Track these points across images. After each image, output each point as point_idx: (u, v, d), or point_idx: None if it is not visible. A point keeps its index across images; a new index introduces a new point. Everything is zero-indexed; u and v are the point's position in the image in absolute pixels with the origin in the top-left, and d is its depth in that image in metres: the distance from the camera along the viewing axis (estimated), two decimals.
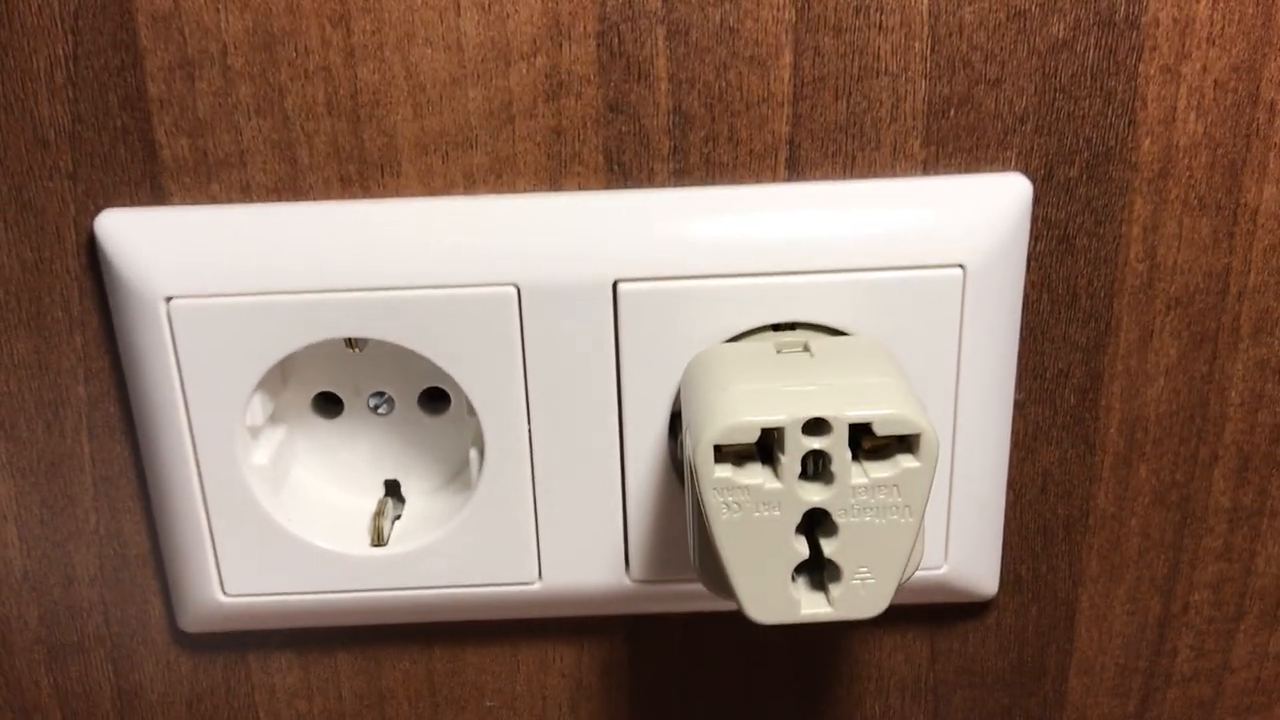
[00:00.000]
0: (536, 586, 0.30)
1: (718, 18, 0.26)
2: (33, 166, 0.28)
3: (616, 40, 0.27)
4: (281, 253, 0.27)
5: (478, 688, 0.33)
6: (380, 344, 0.28)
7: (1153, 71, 0.27)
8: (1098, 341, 0.29)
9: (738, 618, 0.25)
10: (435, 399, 0.31)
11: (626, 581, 0.30)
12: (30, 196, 0.28)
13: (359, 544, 0.30)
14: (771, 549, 0.24)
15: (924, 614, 0.32)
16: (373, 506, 0.31)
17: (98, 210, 0.28)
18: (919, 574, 0.30)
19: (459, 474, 0.31)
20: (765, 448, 0.24)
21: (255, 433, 0.29)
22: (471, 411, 0.29)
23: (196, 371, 0.28)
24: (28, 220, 0.28)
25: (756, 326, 0.28)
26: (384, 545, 0.30)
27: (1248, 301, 0.29)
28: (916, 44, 0.27)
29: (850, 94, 0.27)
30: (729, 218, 0.28)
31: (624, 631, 0.33)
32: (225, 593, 0.30)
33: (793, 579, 0.25)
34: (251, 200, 0.28)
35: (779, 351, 0.27)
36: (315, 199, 0.28)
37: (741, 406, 0.24)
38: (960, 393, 0.28)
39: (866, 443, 0.24)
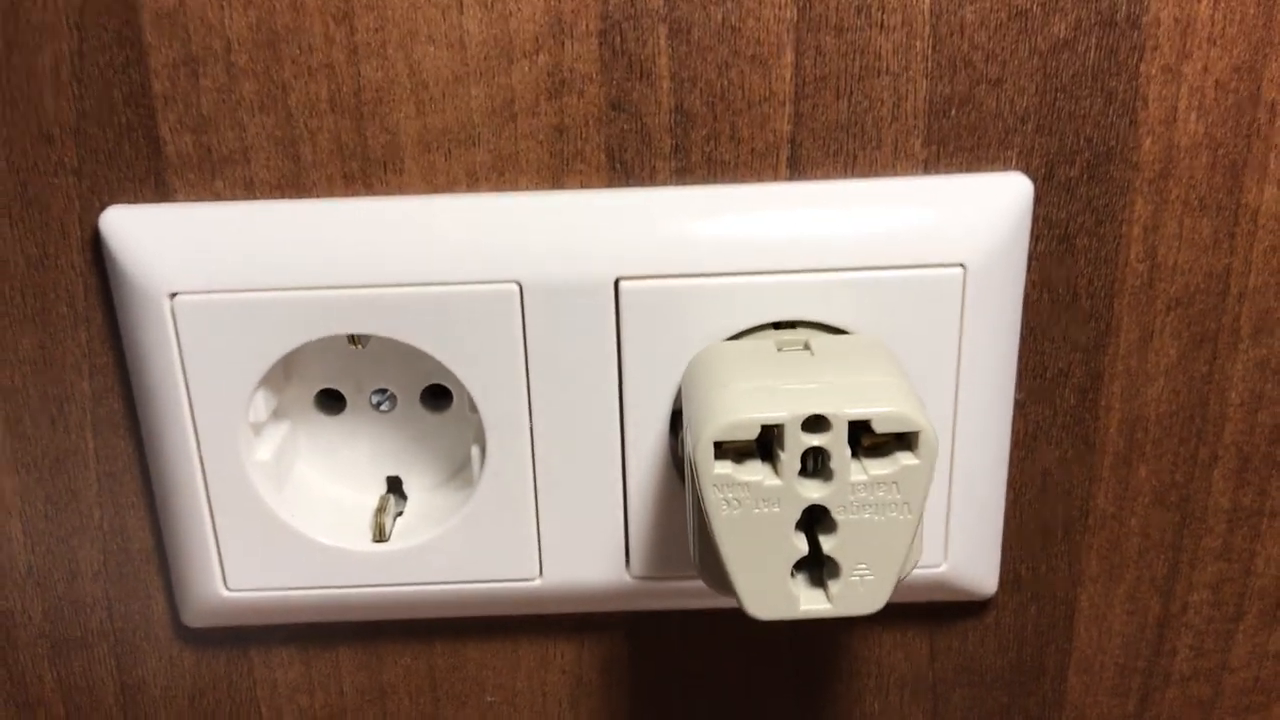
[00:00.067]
0: (537, 583, 0.30)
1: (719, 16, 0.27)
2: (38, 162, 0.28)
3: (619, 39, 0.27)
4: (285, 249, 0.28)
5: (478, 683, 0.33)
6: (383, 341, 0.28)
7: (1154, 71, 0.27)
8: (1098, 341, 0.29)
9: (738, 614, 0.25)
10: (437, 396, 0.31)
11: (627, 578, 0.30)
12: (35, 192, 0.28)
13: (361, 540, 0.30)
14: (771, 545, 0.24)
15: (924, 612, 0.32)
16: (374, 503, 0.31)
17: (102, 206, 0.28)
18: (919, 572, 0.30)
19: (460, 471, 0.31)
20: (765, 445, 0.24)
21: (258, 429, 0.29)
22: (473, 408, 0.29)
23: (200, 367, 0.28)
24: (33, 216, 0.28)
25: (757, 325, 0.28)
26: (386, 541, 0.30)
27: (1248, 302, 0.29)
28: (918, 43, 0.27)
29: (852, 93, 0.27)
30: (730, 216, 0.28)
31: (624, 628, 0.33)
32: (228, 588, 0.30)
33: (792, 575, 0.25)
34: (255, 197, 0.28)
35: (780, 349, 0.27)
36: (318, 196, 0.28)
37: (742, 404, 0.24)
38: (960, 392, 0.28)
39: (866, 440, 0.24)
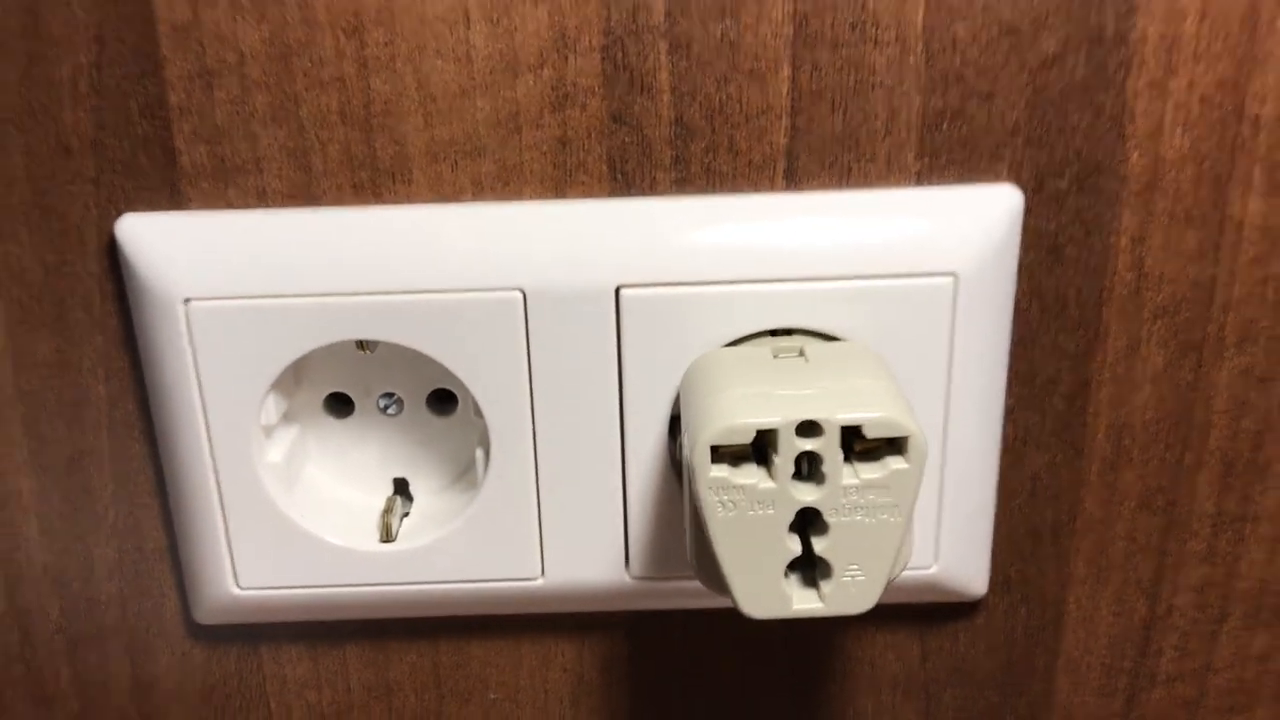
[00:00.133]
0: (539, 583, 0.31)
1: (718, 32, 0.27)
2: (56, 172, 0.29)
3: (620, 54, 0.27)
4: (296, 257, 0.28)
5: (482, 681, 0.34)
6: (390, 346, 0.29)
7: (1141, 87, 0.28)
8: (1086, 349, 0.30)
9: (734, 614, 0.25)
10: (443, 400, 0.32)
11: (627, 578, 0.31)
12: (53, 201, 0.29)
13: (368, 540, 0.31)
14: (765, 546, 0.25)
15: (915, 613, 0.33)
16: (382, 504, 0.32)
17: (118, 214, 0.29)
18: (910, 574, 0.31)
19: (465, 473, 0.32)
20: (761, 449, 0.25)
21: (269, 431, 0.30)
22: (478, 412, 0.29)
23: (213, 371, 0.29)
24: (51, 224, 0.29)
25: (754, 332, 0.29)
26: (392, 541, 0.31)
27: (1232, 312, 0.30)
28: (911, 59, 0.28)
29: (846, 107, 0.28)
30: (728, 226, 0.28)
31: (624, 627, 0.33)
32: (239, 586, 0.31)
33: (785, 575, 0.25)
34: (267, 205, 0.29)
35: (775, 356, 0.28)
36: (329, 205, 0.29)
37: (737, 409, 0.25)
38: (951, 397, 0.29)
39: (858, 445, 0.25)
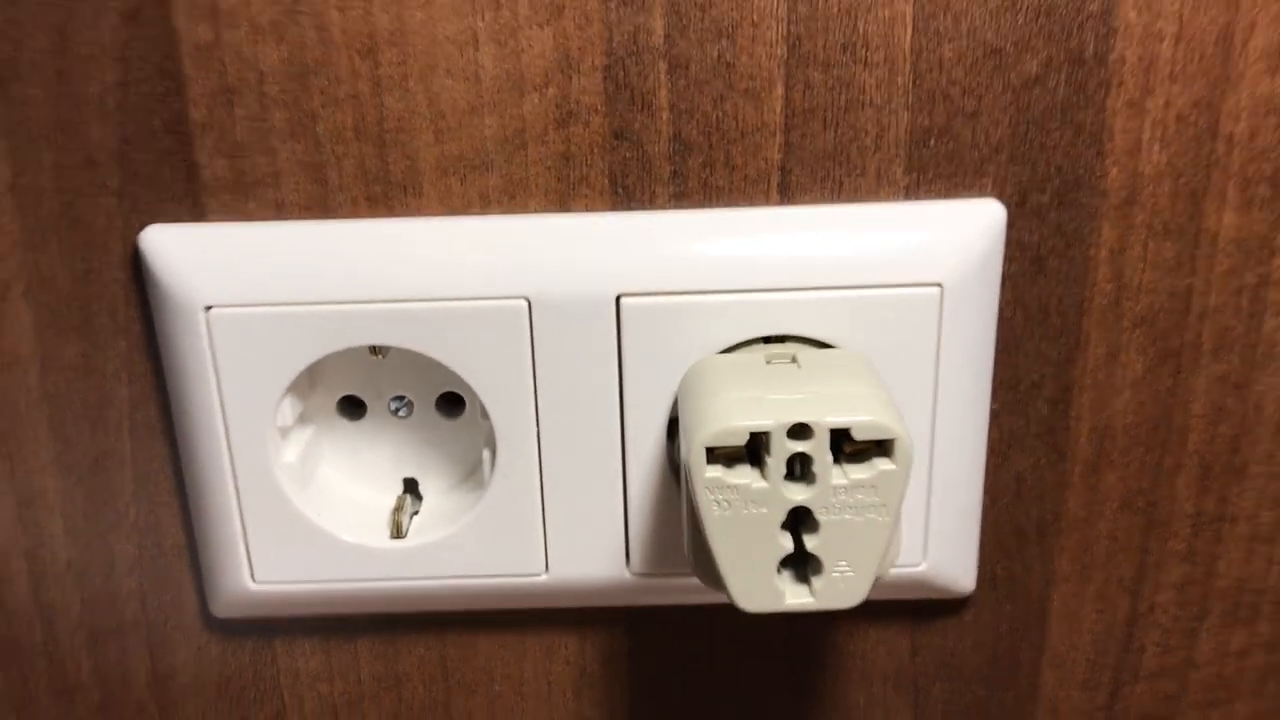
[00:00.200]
0: (543, 578, 0.32)
1: (715, 53, 0.29)
2: (83, 185, 0.30)
3: (622, 73, 0.29)
4: (312, 266, 0.30)
5: (488, 673, 0.35)
6: (401, 351, 0.30)
7: (1119, 106, 0.29)
8: (1068, 356, 0.31)
9: (730, 609, 0.26)
10: (451, 403, 0.33)
11: (627, 575, 0.32)
12: (80, 212, 0.30)
13: (379, 537, 0.32)
14: (758, 543, 0.26)
15: (905, 609, 0.34)
16: (392, 502, 0.33)
17: (142, 225, 0.30)
18: (900, 571, 0.32)
19: (473, 473, 0.33)
20: (754, 450, 0.26)
21: (285, 433, 0.31)
22: (485, 415, 0.31)
23: (232, 375, 0.30)
24: (78, 234, 0.30)
25: (749, 339, 0.30)
26: (402, 538, 0.32)
27: (1209, 320, 0.31)
28: (899, 79, 0.29)
29: (838, 124, 0.29)
30: (724, 238, 0.30)
31: (625, 622, 0.35)
32: (255, 581, 0.32)
33: (778, 571, 0.27)
34: (285, 217, 0.30)
35: (768, 362, 0.29)
36: (343, 217, 0.30)
37: (732, 412, 0.26)
38: (938, 402, 0.30)
39: (847, 447, 0.26)
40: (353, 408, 0.33)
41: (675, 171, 0.30)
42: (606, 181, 0.30)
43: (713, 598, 0.31)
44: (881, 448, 0.26)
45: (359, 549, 0.32)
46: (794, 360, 0.29)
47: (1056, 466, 0.32)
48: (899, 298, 0.29)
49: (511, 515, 0.31)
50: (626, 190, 0.30)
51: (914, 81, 0.29)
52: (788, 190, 0.30)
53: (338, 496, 0.33)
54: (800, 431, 0.26)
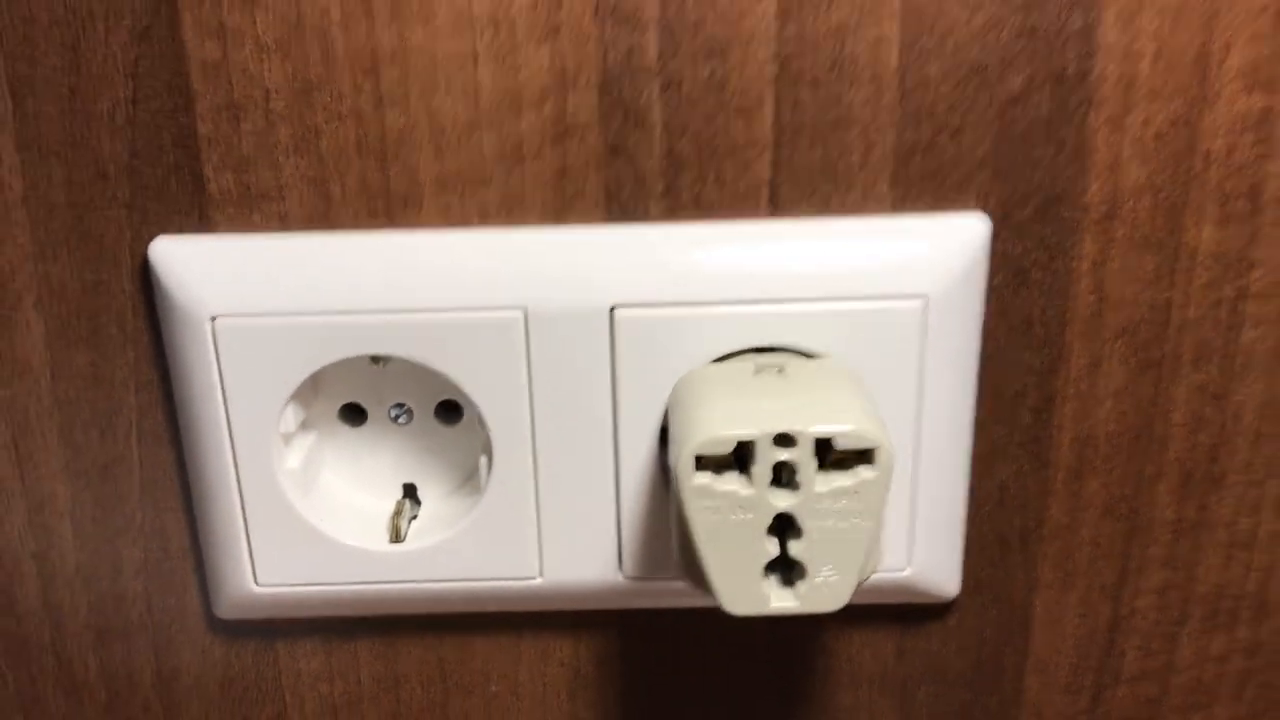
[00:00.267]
0: (538, 582, 0.33)
1: (707, 72, 0.29)
2: (94, 197, 0.31)
3: (616, 91, 0.30)
4: (315, 278, 0.30)
5: (484, 674, 0.36)
6: (401, 361, 0.31)
7: (1100, 123, 0.30)
8: (1051, 366, 0.32)
9: (721, 612, 0.27)
10: (450, 410, 0.34)
11: (619, 578, 0.33)
12: (91, 224, 0.31)
13: (379, 541, 0.33)
14: (744, 548, 0.27)
15: (891, 613, 0.35)
16: (392, 507, 0.34)
17: (151, 237, 0.31)
18: (885, 575, 0.33)
19: (470, 478, 0.34)
20: (741, 458, 0.27)
21: (288, 439, 0.32)
22: (482, 423, 0.31)
23: (237, 383, 0.31)
24: (88, 245, 0.31)
25: (739, 349, 0.31)
26: (401, 542, 0.33)
27: (1188, 332, 0.32)
28: (886, 96, 0.30)
29: (826, 141, 0.30)
30: (715, 251, 0.30)
31: (618, 624, 0.35)
32: (257, 583, 0.33)
33: (764, 575, 0.27)
34: (289, 229, 0.31)
35: (757, 372, 0.30)
36: (346, 229, 0.31)
37: (719, 421, 0.27)
38: (923, 411, 0.31)
39: (832, 454, 0.27)
40: (354, 415, 0.34)
41: (668, 186, 0.31)
42: (601, 196, 0.31)
43: (703, 601, 0.32)
44: (864, 456, 0.27)
45: (359, 552, 0.33)
46: (782, 370, 0.30)
47: (1040, 474, 0.33)
48: (885, 309, 0.30)
49: (507, 520, 0.32)
50: (621, 204, 0.31)
51: (900, 99, 0.30)
52: (777, 204, 0.31)
53: (339, 501, 0.34)
54: (785, 440, 0.26)
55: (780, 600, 0.28)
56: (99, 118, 0.30)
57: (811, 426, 0.26)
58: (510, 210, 0.31)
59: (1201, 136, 0.30)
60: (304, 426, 0.33)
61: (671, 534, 0.32)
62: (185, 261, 0.31)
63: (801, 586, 0.27)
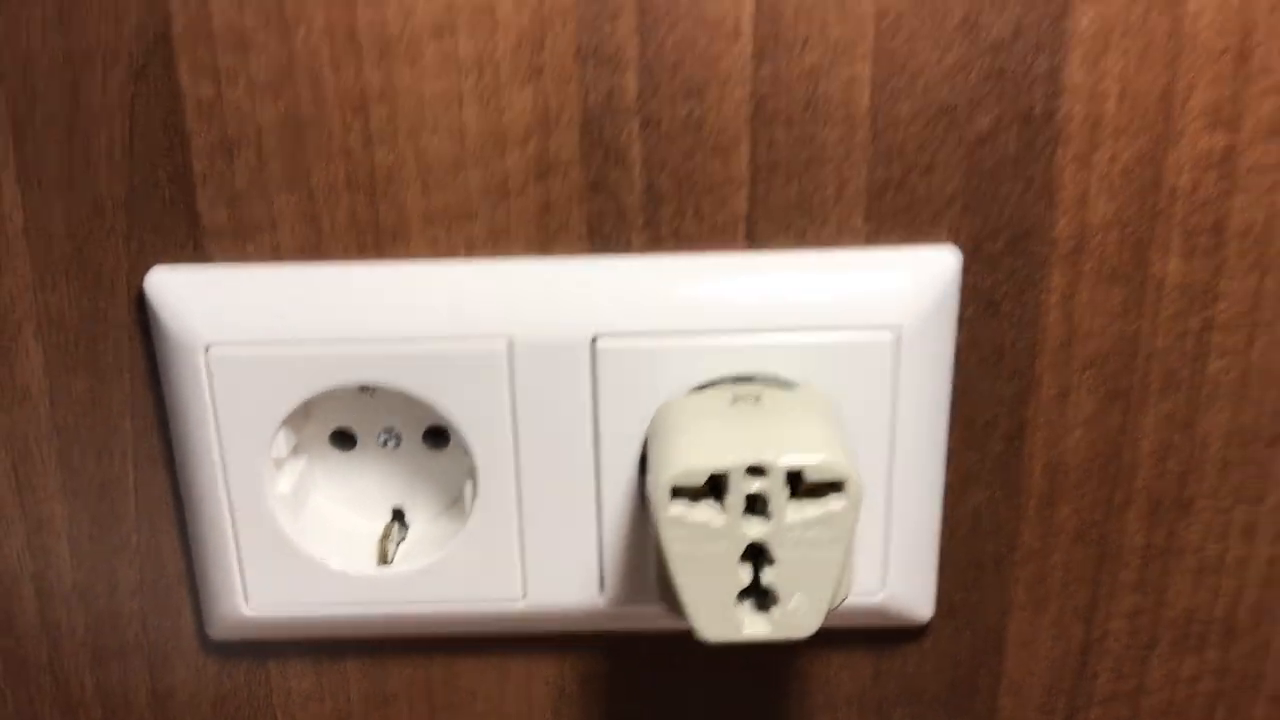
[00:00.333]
0: (522, 605, 0.34)
1: (685, 111, 0.30)
2: (92, 230, 0.32)
3: (597, 130, 0.31)
4: (306, 308, 0.31)
5: (471, 693, 0.37)
6: (389, 389, 0.32)
7: (1067, 160, 0.31)
8: (1022, 395, 0.33)
9: None
10: (437, 435, 0.35)
11: (601, 601, 0.34)
12: (89, 255, 0.32)
13: (367, 564, 0.34)
14: (718, 576, 0.28)
15: (868, 636, 0.36)
16: (380, 530, 0.35)
17: (147, 268, 0.32)
18: (861, 599, 0.34)
19: (457, 501, 0.35)
20: (717, 485, 0.28)
21: (279, 464, 0.33)
22: (467, 449, 0.32)
23: (229, 410, 0.32)
24: (87, 276, 0.32)
25: (717, 378, 0.32)
26: (389, 565, 0.34)
27: (1155, 362, 0.33)
28: (858, 135, 0.31)
29: (801, 178, 0.31)
30: (694, 283, 0.31)
31: (601, 645, 0.36)
32: (249, 606, 0.34)
33: (738, 602, 0.28)
34: (281, 260, 0.32)
35: (734, 401, 0.30)
36: (336, 260, 0.32)
37: (693, 453, 0.27)
38: (896, 438, 0.32)
39: (804, 484, 0.28)
40: (344, 439, 0.35)
41: (648, 221, 0.31)
42: (584, 229, 0.32)
43: (683, 624, 0.33)
44: (835, 486, 0.27)
45: (347, 577, 0.33)
46: (758, 400, 0.30)
47: (1012, 500, 0.34)
48: (859, 340, 0.31)
49: (492, 544, 0.33)
50: (603, 238, 0.32)
51: (872, 138, 0.31)
52: (754, 238, 0.32)
53: (329, 524, 0.35)
54: (758, 471, 0.27)
55: (753, 627, 0.28)
56: (97, 154, 0.31)
57: (782, 458, 0.27)
58: (496, 243, 0.32)
59: (1166, 173, 0.31)
60: (295, 451, 0.34)
61: (649, 559, 0.33)
62: (180, 292, 0.32)
63: (774, 613, 0.28)
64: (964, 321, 0.32)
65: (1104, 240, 0.31)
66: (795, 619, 0.28)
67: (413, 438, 0.34)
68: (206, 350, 0.31)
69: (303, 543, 0.33)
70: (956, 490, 0.34)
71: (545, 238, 0.32)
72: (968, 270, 0.32)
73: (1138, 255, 0.32)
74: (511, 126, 0.30)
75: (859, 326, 0.31)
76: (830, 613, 0.28)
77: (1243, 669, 0.36)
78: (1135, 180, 0.31)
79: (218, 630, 0.35)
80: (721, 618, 0.28)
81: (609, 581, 0.34)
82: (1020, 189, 0.31)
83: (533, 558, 0.33)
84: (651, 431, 0.31)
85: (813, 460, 0.27)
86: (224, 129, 0.31)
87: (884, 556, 0.33)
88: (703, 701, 0.37)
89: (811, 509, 0.27)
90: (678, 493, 0.27)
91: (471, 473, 0.33)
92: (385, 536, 0.34)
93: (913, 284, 0.31)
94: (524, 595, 0.34)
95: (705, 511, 0.27)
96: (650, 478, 0.29)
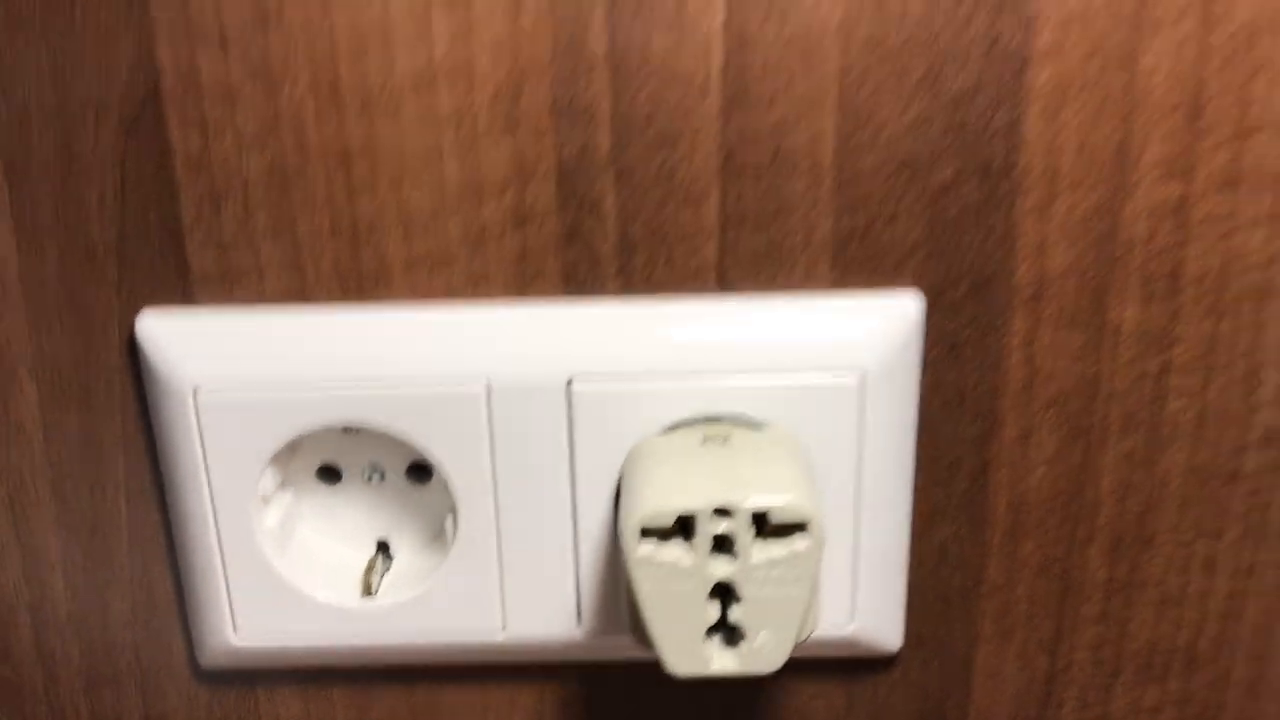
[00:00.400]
0: (502, 636, 0.35)
1: (657, 163, 0.31)
2: (85, 276, 0.33)
3: (572, 181, 0.32)
4: (292, 352, 0.32)
5: None
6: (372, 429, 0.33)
7: (1026, 210, 0.32)
8: (985, 435, 0.34)
9: None
10: (420, 470, 0.36)
11: (579, 633, 0.35)
12: (82, 300, 0.33)
13: (352, 596, 0.35)
14: (686, 613, 0.29)
15: (839, 666, 0.37)
16: (365, 563, 0.36)
17: (137, 312, 0.33)
18: (831, 631, 0.35)
19: (440, 535, 0.36)
20: (686, 524, 0.29)
21: (266, 500, 0.34)
22: (448, 487, 0.33)
23: (217, 449, 0.33)
24: (79, 319, 0.33)
25: (688, 419, 0.33)
26: (372, 597, 0.35)
27: (1115, 404, 0.34)
28: (824, 186, 0.32)
29: (769, 227, 0.32)
30: (666, 327, 0.32)
31: (578, 675, 0.37)
32: (238, 636, 0.35)
33: (706, 637, 0.29)
34: (267, 306, 0.33)
35: (704, 441, 0.31)
36: (321, 303, 0.33)
37: (662, 494, 0.29)
38: (863, 477, 0.33)
39: (769, 524, 0.29)
40: (330, 474, 0.36)
41: (621, 268, 0.33)
42: (559, 276, 0.33)
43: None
44: (800, 526, 0.29)
45: (332, 609, 0.34)
46: (727, 440, 0.31)
47: (977, 536, 0.35)
48: (825, 382, 0.32)
49: (472, 578, 0.34)
50: (578, 284, 0.33)
51: (837, 189, 0.32)
52: (724, 284, 0.33)
53: (315, 557, 0.36)
54: (724, 511, 0.28)
55: (721, 662, 0.29)
56: (89, 204, 0.32)
57: (747, 500, 0.28)
58: (475, 288, 0.33)
59: (1123, 223, 0.32)
60: (283, 485, 0.35)
61: (625, 592, 0.34)
62: (169, 336, 0.33)
63: (742, 648, 0.29)
64: (928, 364, 0.33)
65: (1063, 287, 0.32)
66: (762, 654, 0.29)
67: (397, 472, 0.36)
68: (195, 392, 0.32)
69: (289, 575, 0.34)
70: (923, 526, 0.35)
71: (522, 283, 0.33)
72: (931, 315, 0.33)
73: (1096, 301, 0.33)
74: (489, 178, 0.32)
75: (825, 369, 0.32)
76: (797, 647, 0.30)
77: (1204, 699, 0.37)
78: (1093, 229, 0.32)
79: (208, 659, 0.36)
80: (690, 653, 0.29)
81: (586, 614, 0.35)
82: (981, 238, 0.32)
83: (512, 591, 0.34)
84: (625, 470, 0.32)
85: (777, 502, 0.28)
86: (212, 180, 0.32)
87: (852, 590, 0.34)
88: None
89: (776, 549, 0.28)
90: (647, 533, 0.29)
91: (452, 509, 0.34)
92: (369, 569, 0.35)
93: (878, 328, 0.32)
94: (504, 627, 0.35)
95: (674, 551, 0.29)
96: (621, 517, 0.30)
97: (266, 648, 0.35)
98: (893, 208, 0.32)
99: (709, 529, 0.28)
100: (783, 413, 0.32)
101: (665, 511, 0.28)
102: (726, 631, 0.30)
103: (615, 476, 0.33)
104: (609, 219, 0.32)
